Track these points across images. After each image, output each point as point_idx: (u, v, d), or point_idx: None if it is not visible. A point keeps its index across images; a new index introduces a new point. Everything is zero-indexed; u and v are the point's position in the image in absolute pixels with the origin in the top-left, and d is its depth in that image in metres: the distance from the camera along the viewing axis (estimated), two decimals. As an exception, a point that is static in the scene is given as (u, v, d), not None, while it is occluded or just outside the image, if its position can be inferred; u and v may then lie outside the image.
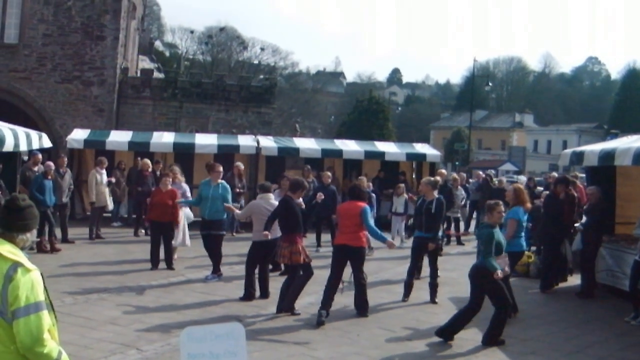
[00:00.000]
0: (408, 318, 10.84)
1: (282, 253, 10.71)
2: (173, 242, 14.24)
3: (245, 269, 11.78)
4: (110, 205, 19.53)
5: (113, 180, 19.50)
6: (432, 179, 12.95)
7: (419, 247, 12.06)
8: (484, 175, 22.29)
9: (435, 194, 12.10)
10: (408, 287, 12.17)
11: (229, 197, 13.45)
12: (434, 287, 12.05)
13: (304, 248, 10.85)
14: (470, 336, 9.71)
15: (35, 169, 16.17)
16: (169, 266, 14.04)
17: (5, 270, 4.05)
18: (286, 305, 10.75)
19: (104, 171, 18.75)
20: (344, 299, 11.07)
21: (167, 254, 14.15)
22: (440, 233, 12.53)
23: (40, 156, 16.52)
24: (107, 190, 18.85)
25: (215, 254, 13.14)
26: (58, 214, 16.42)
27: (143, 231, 18.82)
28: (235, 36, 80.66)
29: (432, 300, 12.00)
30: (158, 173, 18.98)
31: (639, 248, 11.11)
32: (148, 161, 19.67)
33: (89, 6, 30.68)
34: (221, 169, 13.71)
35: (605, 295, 12.95)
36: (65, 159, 17.66)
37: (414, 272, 12.28)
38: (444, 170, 19.83)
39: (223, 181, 13.68)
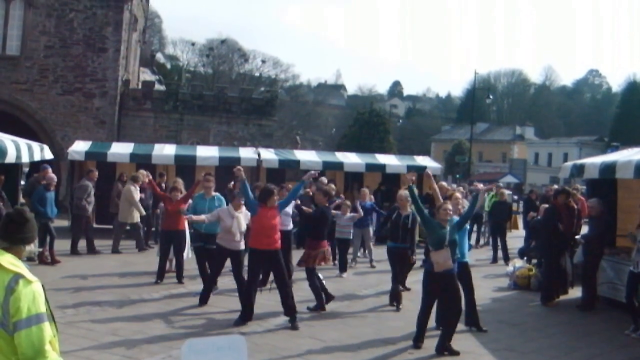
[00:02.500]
0: (409, 330, 10.81)
1: (323, 257, 11.72)
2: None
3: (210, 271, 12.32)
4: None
5: (143, 196, 19.25)
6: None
7: (393, 256, 12.58)
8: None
9: (409, 208, 12.45)
10: (397, 296, 12.55)
11: None
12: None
13: None
14: (470, 348, 9.71)
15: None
16: (180, 280, 13.86)
17: (6, 281, 4.06)
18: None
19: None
20: (346, 311, 11.06)
21: (178, 268, 14.03)
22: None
23: (50, 170, 16.47)
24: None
25: (211, 267, 13.11)
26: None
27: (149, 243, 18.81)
28: (236, 48, 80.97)
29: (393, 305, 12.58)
30: (163, 185, 18.92)
31: (633, 259, 11.15)
32: (145, 172, 19.59)
33: (91, 18, 30.75)
34: (212, 182, 13.56)
35: (606, 307, 12.95)
36: (96, 173, 18.25)
37: (397, 280, 12.67)
38: (444, 183, 19.77)
39: (217, 193, 13.59)
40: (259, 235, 10.75)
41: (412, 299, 12.53)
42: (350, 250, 17.12)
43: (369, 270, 16.73)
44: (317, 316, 11.41)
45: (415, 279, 14.23)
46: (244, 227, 11.78)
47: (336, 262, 16.12)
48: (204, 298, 11.99)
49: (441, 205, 9.91)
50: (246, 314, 10.75)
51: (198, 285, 13.21)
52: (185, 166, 22.16)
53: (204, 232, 12.96)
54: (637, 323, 11.08)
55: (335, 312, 11.87)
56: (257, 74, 78.75)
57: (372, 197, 18.42)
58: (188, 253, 14.81)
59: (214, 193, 13.36)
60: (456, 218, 10.18)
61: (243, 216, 11.78)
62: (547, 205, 15.73)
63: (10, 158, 11.58)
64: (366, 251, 17.93)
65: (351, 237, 16.37)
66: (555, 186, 21.64)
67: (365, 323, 11.19)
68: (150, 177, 16.23)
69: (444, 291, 9.64)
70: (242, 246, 11.89)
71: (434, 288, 9.69)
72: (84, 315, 10.83)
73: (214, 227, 12.75)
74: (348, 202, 16.01)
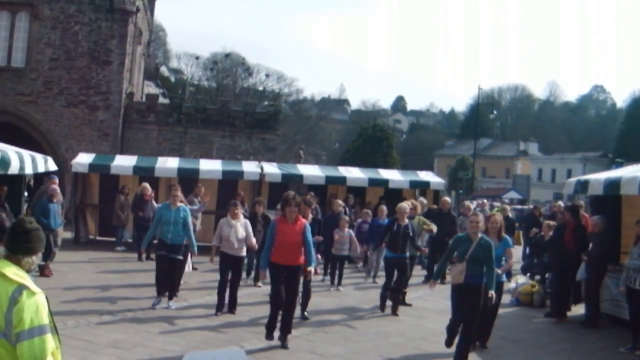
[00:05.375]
0: (410, 347, 10.78)
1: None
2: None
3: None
4: None
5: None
6: (406, 204, 14.18)
7: (391, 266, 13.19)
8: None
9: (406, 219, 13.35)
10: (383, 299, 13.33)
11: (189, 219, 13.22)
12: (396, 299, 13.28)
13: None
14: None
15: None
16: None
17: (10, 292, 4.06)
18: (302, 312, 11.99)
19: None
20: (348, 329, 11.02)
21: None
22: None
23: (57, 180, 16.42)
24: None
25: (173, 279, 13.16)
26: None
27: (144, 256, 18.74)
28: (240, 62, 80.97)
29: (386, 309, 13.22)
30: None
31: (623, 277, 11.40)
32: (147, 185, 19.61)
33: (96, 31, 30.88)
34: (179, 193, 13.37)
35: (609, 325, 12.89)
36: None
37: (389, 287, 13.20)
38: (447, 198, 19.75)
39: (183, 204, 13.42)
40: (278, 250, 10.25)
41: (414, 315, 12.53)
42: (358, 264, 17.49)
43: (371, 285, 16.66)
44: (317, 331, 11.36)
45: (416, 295, 14.24)
46: (241, 235, 12.27)
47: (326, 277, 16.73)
48: (220, 306, 12.30)
49: (470, 218, 9.81)
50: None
51: (199, 299, 13.24)
52: (188, 179, 22.12)
53: (169, 243, 12.84)
54: (637, 341, 11.05)
55: (336, 327, 11.84)
56: (260, 88, 78.76)
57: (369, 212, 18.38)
58: (190, 266, 14.77)
59: (179, 204, 13.18)
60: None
61: (241, 225, 12.34)
62: (551, 222, 15.71)
63: (14, 169, 11.58)
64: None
65: (348, 254, 16.32)
66: (561, 203, 21.60)
67: (366, 339, 11.14)
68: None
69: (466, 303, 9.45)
70: (244, 253, 12.58)
71: (455, 300, 9.57)
72: (85, 327, 10.79)
73: (180, 239, 12.89)
74: (346, 218, 15.96)
